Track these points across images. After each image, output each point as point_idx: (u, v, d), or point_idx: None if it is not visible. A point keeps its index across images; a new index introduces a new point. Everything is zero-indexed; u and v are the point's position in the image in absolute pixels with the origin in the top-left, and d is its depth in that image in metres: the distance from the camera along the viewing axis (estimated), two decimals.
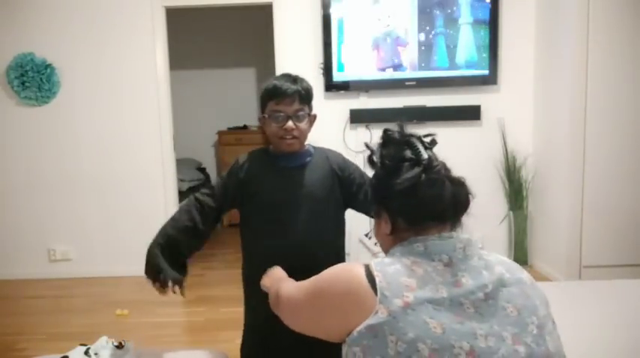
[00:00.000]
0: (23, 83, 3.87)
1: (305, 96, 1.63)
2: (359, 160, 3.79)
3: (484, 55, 3.66)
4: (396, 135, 1.02)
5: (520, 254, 3.79)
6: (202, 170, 5.95)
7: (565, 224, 3.32)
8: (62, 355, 1.65)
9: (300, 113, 1.63)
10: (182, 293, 1.68)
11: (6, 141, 4.01)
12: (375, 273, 0.90)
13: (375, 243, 3.85)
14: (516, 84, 3.76)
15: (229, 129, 5.81)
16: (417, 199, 0.96)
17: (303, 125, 1.64)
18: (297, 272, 1.60)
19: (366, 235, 3.78)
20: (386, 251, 1.04)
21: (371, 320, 0.86)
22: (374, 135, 3.81)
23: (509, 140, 3.70)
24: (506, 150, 3.70)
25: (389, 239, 1.02)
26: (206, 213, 1.69)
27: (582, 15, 3.14)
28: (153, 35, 3.90)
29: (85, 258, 4.08)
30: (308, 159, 1.71)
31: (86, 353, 1.64)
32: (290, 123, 1.61)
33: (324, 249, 1.68)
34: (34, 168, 4.02)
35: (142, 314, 3.28)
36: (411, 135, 1.02)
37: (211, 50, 5.93)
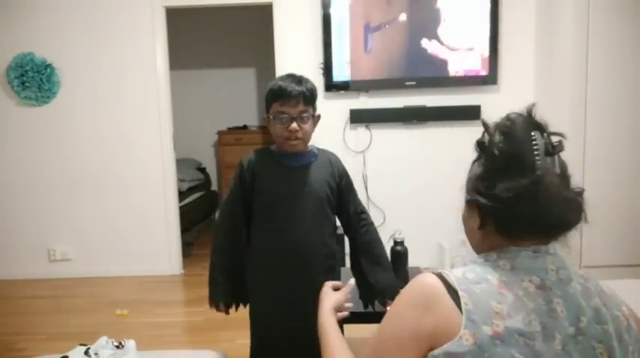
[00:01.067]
0: (23, 83, 3.87)
1: (309, 97, 1.65)
2: (359, 160, 3.82)
3: (484, 55, 3.66)
4: (519, 127, 0.86)
5: None
6: (202, 170, 5.95)
7: None
8: (62, 355, 1.65)
9: (305, 114, 1.64)
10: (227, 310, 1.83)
11: (6, 141, 4.01)
12: (460, 293, 0.79)
13: None
14: (516, 84, 3.75)
15: (229, 129, 5.81)
16: (514, 213, 0.82)
17: (307, 126, 1.66)
18: (294, 270, 1.68)
19: None
20: (473, 244, 0.93)
21: (452, 347, 0.76)
22: (374, 135, 3.81)
23: None
24: None
25: (478, 233, 0.90)
26: (239, 228, 1.76)
27: (582, 15, 3.14)
28: (153, 35, 3.90)
29: (84, 257, 4.08)
30: (311, 159, 1.74)
31: (86, 353, 1.64)
32: (294, 125, 1.63)
33: (320, 249, 1.72)
34: (34, 168, 4.02)
35: (142, 314, 3.28)
36: (538, 129, 0.86)
37: (211, 50, 5.92)
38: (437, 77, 3.69)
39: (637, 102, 3.19)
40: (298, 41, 3.80)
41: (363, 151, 3.82)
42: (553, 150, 0.85)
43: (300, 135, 1.65)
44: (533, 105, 0.90)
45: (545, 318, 0.78)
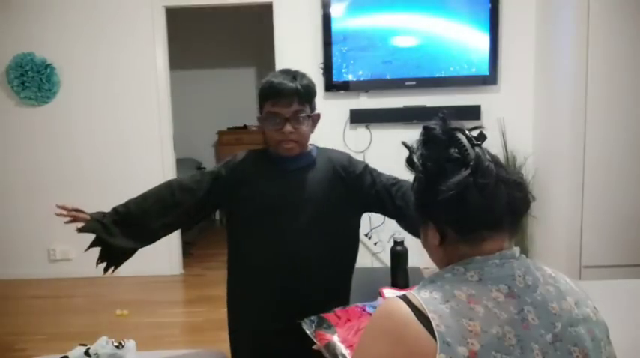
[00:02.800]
0: (23, 83, 3.87)
1: (305, 95, 1.46)
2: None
3: (484, 55, 3.66)
4: (438, 131, 0.88)
5: None
6: (202, 170, 5.95)
7: (565, 224, 3.31)
8: (62, 355, 1.65)
9: (301, 115, 1.46)
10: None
11: (6, 141, 4.01)
12: (430, 315, 0.75)
13: (376, 243, 3.84)
14: (516, 84, 3.75)
15: (229, 129, 5.82)
16: (465, 208, 0.81)
17: (303, 127, 1.47)
18: (286, 286, 1.48)
19: (366, 235, 3.78)
20: (437, 263, 0.91)
21: None
22: (374, 135, 3.81)
23: (509, 140, 3.70)
24: (506, 150, 3.70)
25: (439, 250, 0.88)
26: (185, 198, 1.53)
27: (582, 15, 3.14)
28: (153, 35, 3.90)
29: (85, 257, 4.03)
30: (310, 161, 1.55)
31: (86, 353, 1.64)
32: (288, 127, 1.44)
33: (325, 261, 1.51)
34: (34, 167, 4.02)
35: (142, 314, 3.28)
36: (456, 130, 0.87)
37: (211, 50, 5.93)
38: (437, 77, 3.69)
39: (637, 103, 3.19)
40: (298, 41, 3.80)
41: (363, 151, 3.82)
42: (477, 140, 0.86)
43: (294, 137, 1.46)
44: (445, 112, 0.91)
45: (519, 329, 0.77)
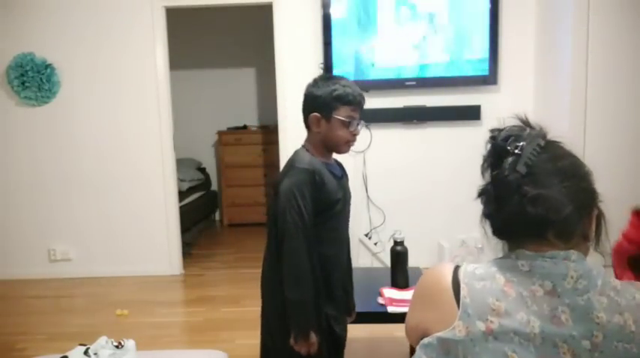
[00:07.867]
0: (23, 83, 3.87)
1: None
2: (359, 160, 3.81)
3: (484, 55, 3.66)
4: (501, 136, 0.90)
5: None
6: (202, 170, 5.95)
7: None
8: (62, 355, 1.65)
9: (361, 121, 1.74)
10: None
11: (6, 141, 4.01)
12: (462, 285, 0.82)
13: (376, 243, 3.84)
14: (516, 84, 3.75)
15: (229, 129, 5.81)
16: (485, 208, 0.89)
17: None
18: (345, 277, 1.78)
19: (366, 235, 3.78)
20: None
21: (446, 334, 0.80)
22: (374, 135, 3.81)
23: None
24: None
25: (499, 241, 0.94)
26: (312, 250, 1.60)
27: (582, 15, 3.14)
28: (153, 35, 3.90)
29: (85, 258, 4.08)
30: (344, 170, 1.81)
31: (85, 353, 1.64)
32: (359, 129, 1.73)
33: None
34: (34, 168, 4.02)
35: (142, 314, 3.28)
36: (515, 134, 0.89)
37: (211, 50, 5.93)
38: (437, 77, 3.69)
39: (637, 102, 3.19)
40: (298, 41, 3.80)
41: (363, 151, 3.82)
42: (514, 151, 0.87)
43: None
44: (524, 118, 0.96)
45: (546, 323, 0.77)
